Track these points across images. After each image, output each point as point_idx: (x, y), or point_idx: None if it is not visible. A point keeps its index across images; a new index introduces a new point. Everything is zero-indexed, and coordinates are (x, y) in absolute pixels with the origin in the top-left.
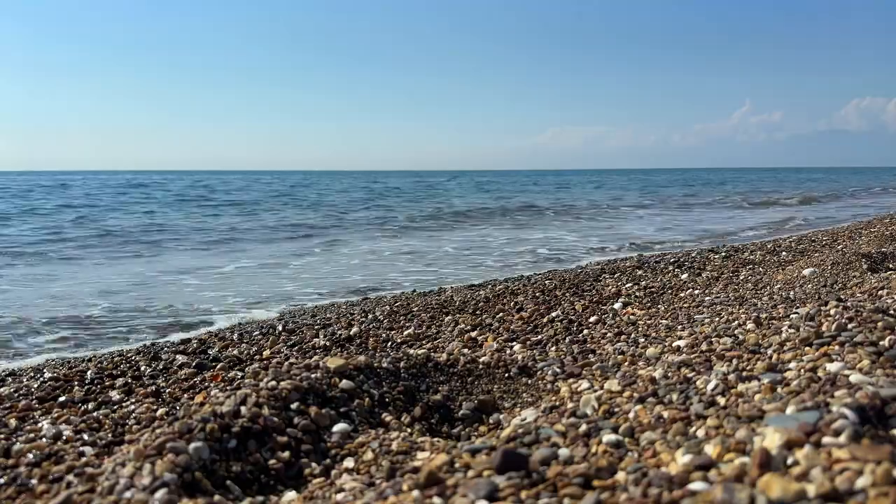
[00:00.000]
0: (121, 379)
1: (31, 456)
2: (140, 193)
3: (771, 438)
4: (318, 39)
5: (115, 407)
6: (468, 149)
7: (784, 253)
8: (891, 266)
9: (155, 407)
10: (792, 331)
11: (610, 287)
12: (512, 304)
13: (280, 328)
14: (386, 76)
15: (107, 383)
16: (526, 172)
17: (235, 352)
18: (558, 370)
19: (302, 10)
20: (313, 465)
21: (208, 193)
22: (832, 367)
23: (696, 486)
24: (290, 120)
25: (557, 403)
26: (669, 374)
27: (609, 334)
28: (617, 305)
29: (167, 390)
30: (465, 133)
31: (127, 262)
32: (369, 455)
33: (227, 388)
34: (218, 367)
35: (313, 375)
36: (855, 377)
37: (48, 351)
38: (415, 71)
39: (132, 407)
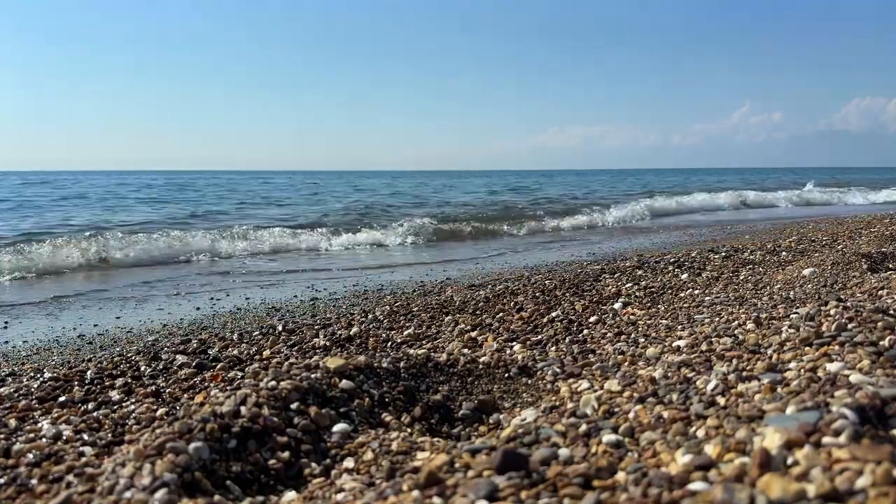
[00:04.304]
0: (121, 379)
1: (31, 456)
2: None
3: (771, 438)
4: (313, 40)
5: (115, 407)
6: (470, 148)
7: (784, 253)
8: (891, 266)
9: (155, 407)
10: (792, 331)
11: (610, 287)
12: (512, 304)
13: (280, 328)
14: (382, 75)
15: (107, 383)
16: (538, 173)
17: (235, 352)
18: (558, 370)
19: (300, 10)
20: (313, 465)
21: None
22: (832, 367)
23: (696, 486)
24: (285, 121)
25: (557, 403)
26: (669, 374)
27: (609, 334)
28: (617, 305)
29: (167, 390)
30: (465, 133)
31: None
32: (369, 455)
33: (227, 388)
34: (218, 367)
35: (313, 375)
36: (855, 377)
37: None
38: (411, 69)
39: (132, 407)
